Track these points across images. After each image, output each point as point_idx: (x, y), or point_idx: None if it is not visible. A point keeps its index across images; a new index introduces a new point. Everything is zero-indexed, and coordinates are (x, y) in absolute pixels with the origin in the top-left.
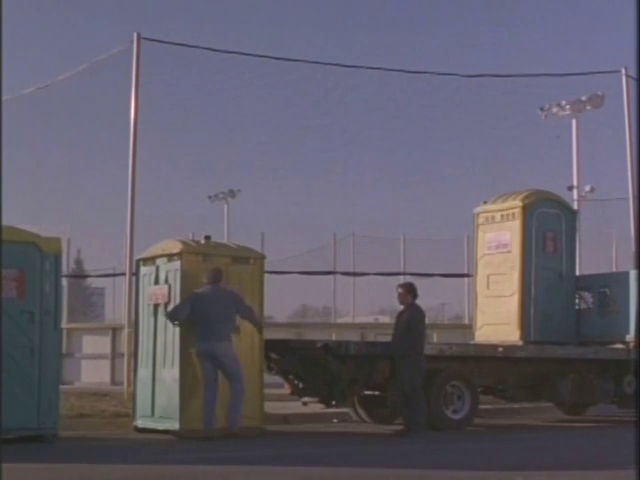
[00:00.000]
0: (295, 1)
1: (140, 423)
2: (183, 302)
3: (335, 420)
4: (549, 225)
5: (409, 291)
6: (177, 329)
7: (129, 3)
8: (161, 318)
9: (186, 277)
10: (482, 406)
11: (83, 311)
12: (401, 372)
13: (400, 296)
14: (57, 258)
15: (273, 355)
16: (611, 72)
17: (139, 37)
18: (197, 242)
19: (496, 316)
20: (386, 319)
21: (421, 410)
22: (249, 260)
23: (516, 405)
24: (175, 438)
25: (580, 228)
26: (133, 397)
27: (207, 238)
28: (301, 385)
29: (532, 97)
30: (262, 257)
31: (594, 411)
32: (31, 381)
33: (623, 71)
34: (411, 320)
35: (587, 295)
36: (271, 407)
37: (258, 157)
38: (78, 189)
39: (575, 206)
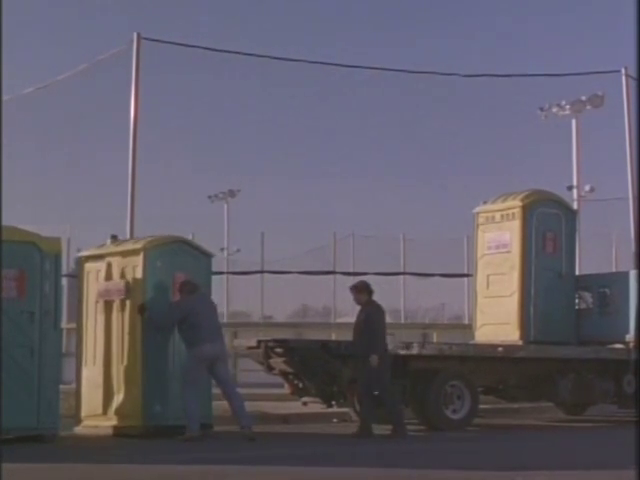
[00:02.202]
0: (295, 1)
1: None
2: (175, 310)
3: (335, 420)
4: (549, 225)
5: (362, 290)
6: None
7: (129, 3)
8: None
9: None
10: (482, 406)
11: None
12: (362, 372)
13: (355, 298)
14: (57, 258)
15: (273, 355)
16: (611, 72)
17: (139, 37)
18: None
19: (496, 316)
20: (386, 319)
21: (396, 408)
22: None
23: (516, 405)
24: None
25: (580, 228)
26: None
27: (113, 237)
28: (301, 385)
29: (532, 97)
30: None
31: (594, 411)
32: (31, 381)
33: (623, 71)
34: (367, 318)
35: (587, 295)
36: (271, 407)
37: (258, 157)
38: (78, 189)
39: (575, 206)
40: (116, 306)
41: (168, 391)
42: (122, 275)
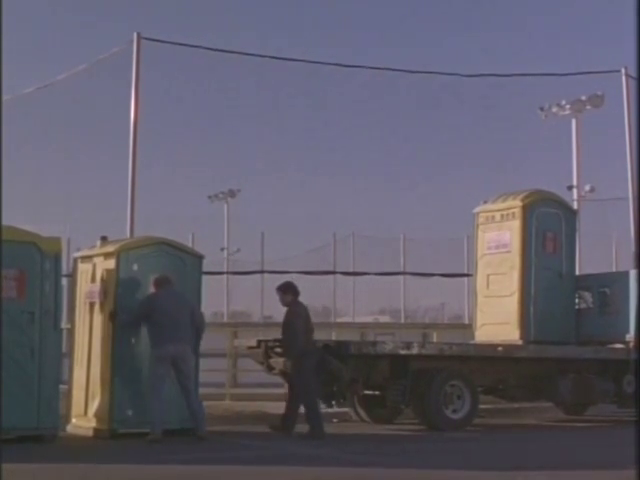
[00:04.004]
0: (296, 1)
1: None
2: (140, 306)
3: (335, 420)
4: (549, 225)
5: (286, 291)
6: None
7: (129, 3)
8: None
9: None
10: (482, 406)
11: None
12: (292, 373)
13: (280, 299)
14: (57, 258)
15: (273, 355)
16: (611, 72)
17: (139, 37)
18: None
19: (496, 316)
20: (386, 319)
21: (314, 411)
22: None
23: (516, 405)
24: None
25: (580, 228)
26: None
27: (103, 239)
28: None
29: (532, 97)
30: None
31: (594, 411)
32: (31, 381)
33: (623, 71)
34: (285, 320)
35: (587, 295)
36: (271, 407)
37: (258, 157)
38: (78, 189)
39: (575, 206)
40: (96, 308)
41: (142, 396)
42: (102, 277)
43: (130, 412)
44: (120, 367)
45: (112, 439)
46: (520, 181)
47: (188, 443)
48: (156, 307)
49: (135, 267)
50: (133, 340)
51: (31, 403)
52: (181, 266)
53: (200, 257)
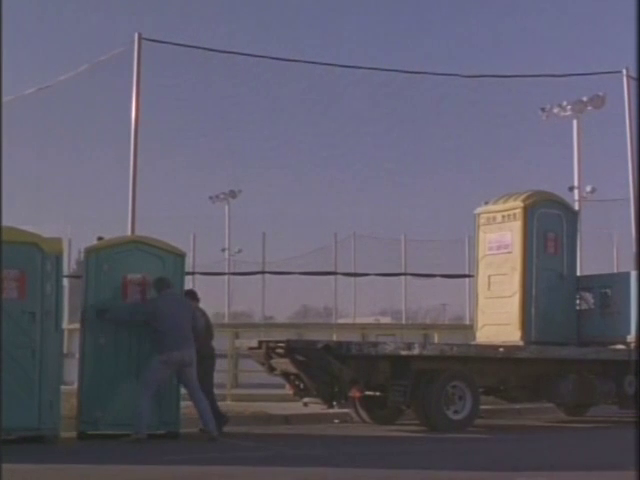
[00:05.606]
0: (295, 1)
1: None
2: (142, 311)
3: (336, 421)
4: (550, 226)
5: (189, 297)
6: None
7: (130, 3)
8: None
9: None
10: (483, 406)
11: None
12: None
13: None
14: (58, 258)
15: (274, 356)
16: (612, 72)
17: (140, 37)
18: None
19: (497, 317)
20: (387, 319)
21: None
22: None
23: (517, 406)
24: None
25: (581, 229)
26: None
27: (99, 239)
28: (302, 386)
29: (533, 97)
30: None
31: (595, 412)
32: (32, 381)
33: (624, 71)
34: None
35: (588, 295)
36: (272, 408)
37: (259, 157)
38: (79, 189)
39: (576, 207)
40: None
41: (112, 397)
42: None
43: (99, 413)
44: (89, 368)
45: (80, 440)
46: (521, 182)
47: (188, 444)
48: (158, 313)
49: (105, 266)
50: (102, 341)
51: (32, 404)
52: (159, 265)
53: (182, 256)
